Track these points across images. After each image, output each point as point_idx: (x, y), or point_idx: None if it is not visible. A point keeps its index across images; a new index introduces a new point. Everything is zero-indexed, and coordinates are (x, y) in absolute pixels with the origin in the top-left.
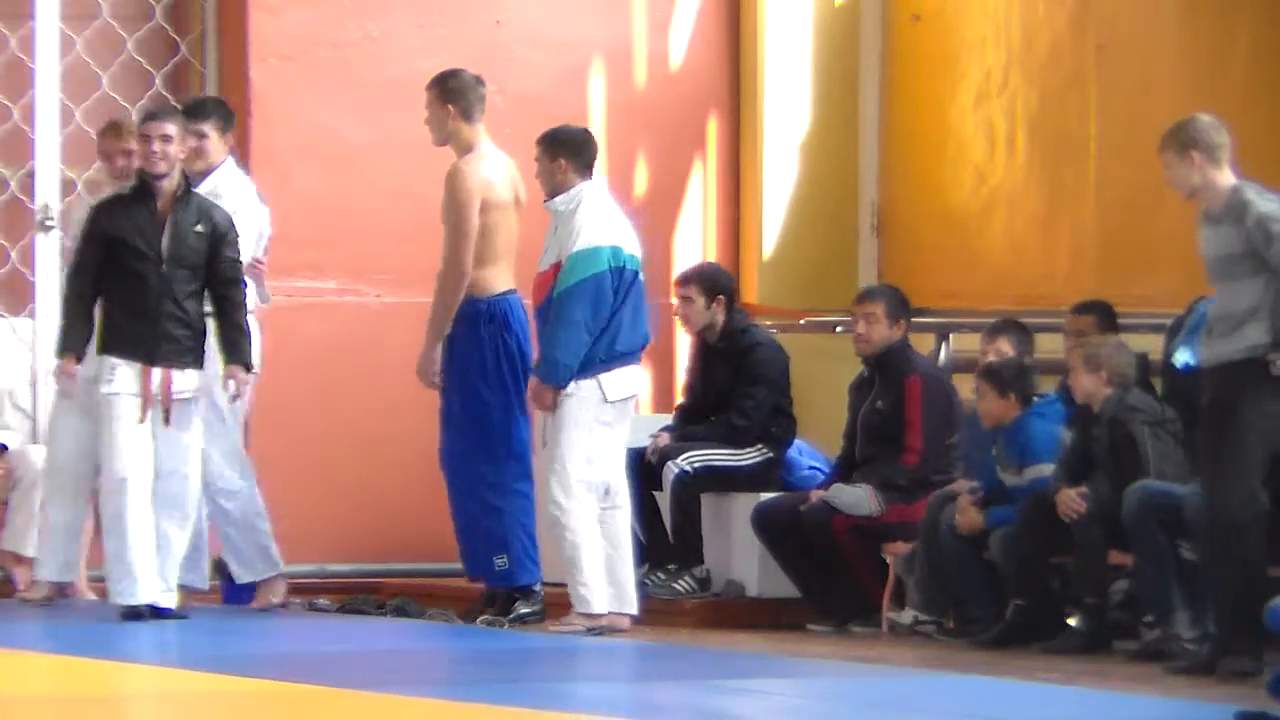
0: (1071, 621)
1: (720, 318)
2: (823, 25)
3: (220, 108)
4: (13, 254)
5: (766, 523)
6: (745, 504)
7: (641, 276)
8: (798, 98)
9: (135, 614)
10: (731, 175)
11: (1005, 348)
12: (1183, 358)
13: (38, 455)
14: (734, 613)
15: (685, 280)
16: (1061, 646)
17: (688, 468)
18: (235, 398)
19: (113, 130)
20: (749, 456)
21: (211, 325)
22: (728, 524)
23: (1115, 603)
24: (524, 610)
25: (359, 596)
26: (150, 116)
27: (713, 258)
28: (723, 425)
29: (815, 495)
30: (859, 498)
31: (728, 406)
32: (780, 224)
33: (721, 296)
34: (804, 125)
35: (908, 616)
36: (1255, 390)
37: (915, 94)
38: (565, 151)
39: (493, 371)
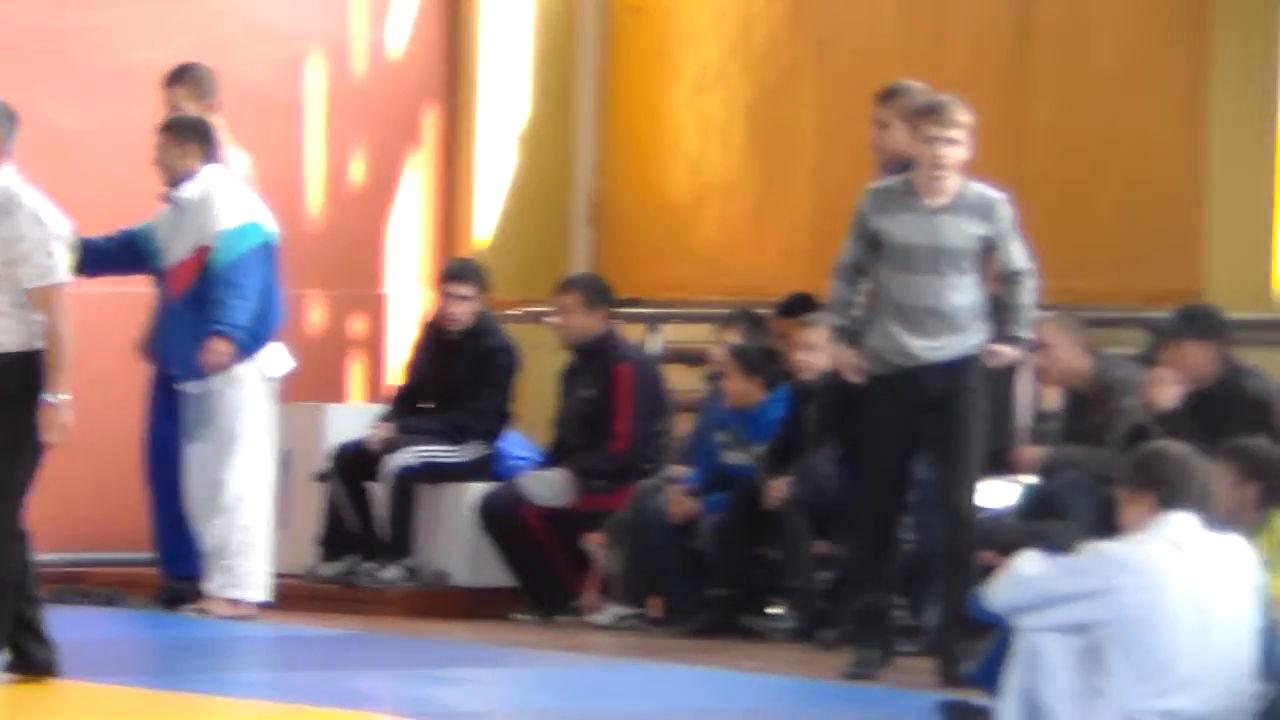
0: (777, 610)
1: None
2: (542, 16)
3: None
4: None
5: (491, 514)
6: (456, 494)
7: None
8: (515, 89)
9: None
10: (449, 166)
11: (735, 339)
12: None
13: None
14: (442, 602)
15: (451, 276)
16: (768, 635)
17: (412, 462)
18: None
19: None
20: (468, 452)
21: None
22: (439, 514)
23: (821, 591)
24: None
25: (63, 586)
26: None
27: (428, 249)
28: (447, 420)
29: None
30: (551, 486)
31: (456, 399)
32: (496, 215)
33: (481, 292)
34: (522, 116)
35: (608, 616)
36: (976, 392)
37: (633, 86)
38: (194, 138)
39: None
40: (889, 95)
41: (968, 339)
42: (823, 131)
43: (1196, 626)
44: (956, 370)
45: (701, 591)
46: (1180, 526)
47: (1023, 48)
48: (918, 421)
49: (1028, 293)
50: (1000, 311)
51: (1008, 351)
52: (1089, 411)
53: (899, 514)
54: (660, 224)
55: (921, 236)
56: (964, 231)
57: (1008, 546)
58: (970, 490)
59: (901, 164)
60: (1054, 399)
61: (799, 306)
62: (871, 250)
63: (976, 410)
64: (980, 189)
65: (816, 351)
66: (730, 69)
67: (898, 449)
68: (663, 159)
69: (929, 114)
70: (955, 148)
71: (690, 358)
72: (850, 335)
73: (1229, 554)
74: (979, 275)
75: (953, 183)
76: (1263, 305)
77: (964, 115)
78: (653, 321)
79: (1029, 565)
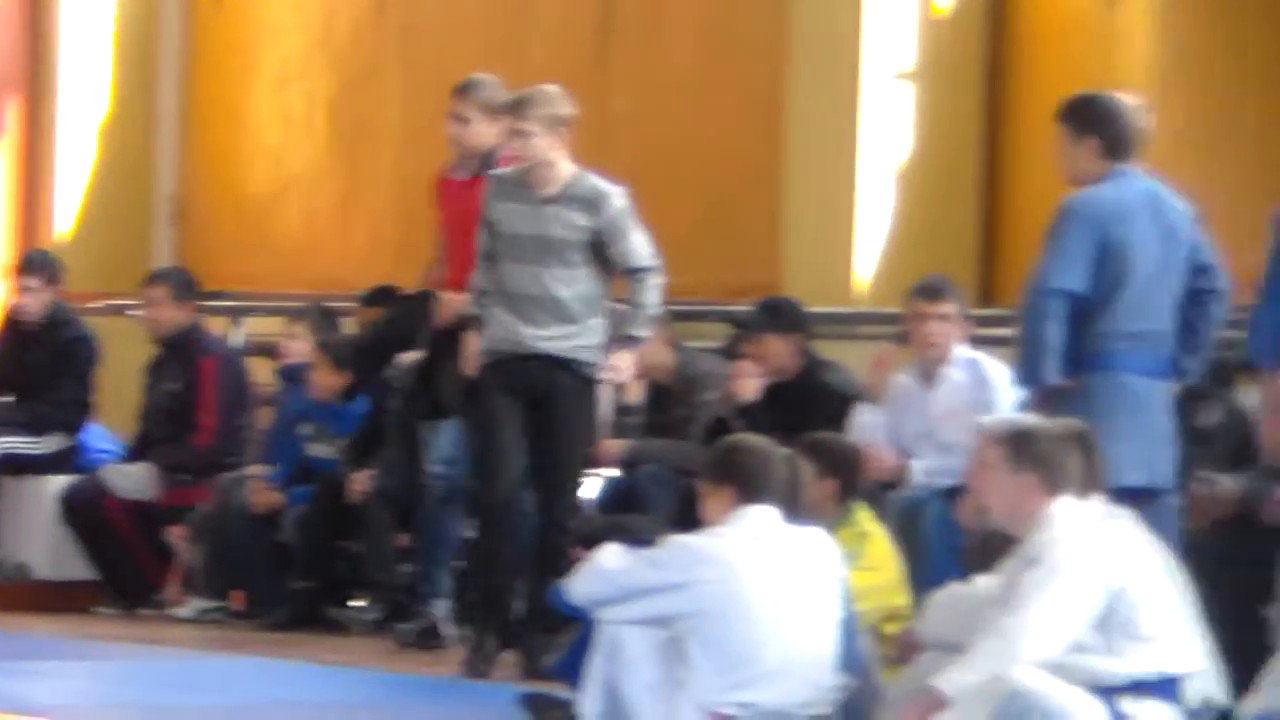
0: (359, 603)
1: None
2: (123, 8)
3: None
4: None
5: (73, 507)
6: (37, 487)
7: None
8: (97, 80)
9: None
10: (29, 158)
11: (302, 332)
12: None
13: None
14: (23, 596)
15: (20, 268)
16: (351, 628)
17: None
18: None
19: None
20: (49, 444)
21: None
22: (20, 507)
23: (402, 585)
24: None
25: None
26: None
27: (9, 241)
28: (27, 412)
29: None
30: (134, 479)
31: (36, 391)
32: (77, 208)
33: (51, 283)
34: (103, 108)
35: (190, 609)
36: (583, 390)
37: (215, 78)
38: None
39: None
40: (465, 89)
41: (579, 332)
42: (406, 125)
43: (777, 619)
44: (566, 365)
45: (284, 584)
46: (760, 519)
47: (603, 42)
48: (528, 412)
49: (647, 290)
50: None
51: (624, 358)
52: (671, 405)
53: (518, 502)
54: (243, 217)
55: (528, 226)
56: (569, 223)
57: (589, 539)
58: (567, 489)
59: (484, 158)
60: (636, 392)
61: (382, 299)
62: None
63: (581, 410)
64: (594, 182)
65: None
66: (312, 62)
67: (514, 436)
68: (245, 152)
69: (508, 109)
70: (531, 140)
71: (273, 351)
72: (479, 324)
73: (810, 547)
74: (591, 269)
75: (562, 173)
76: (842, 299)
77: (541, 109)
78: (235, 315)
79: (610, 558)
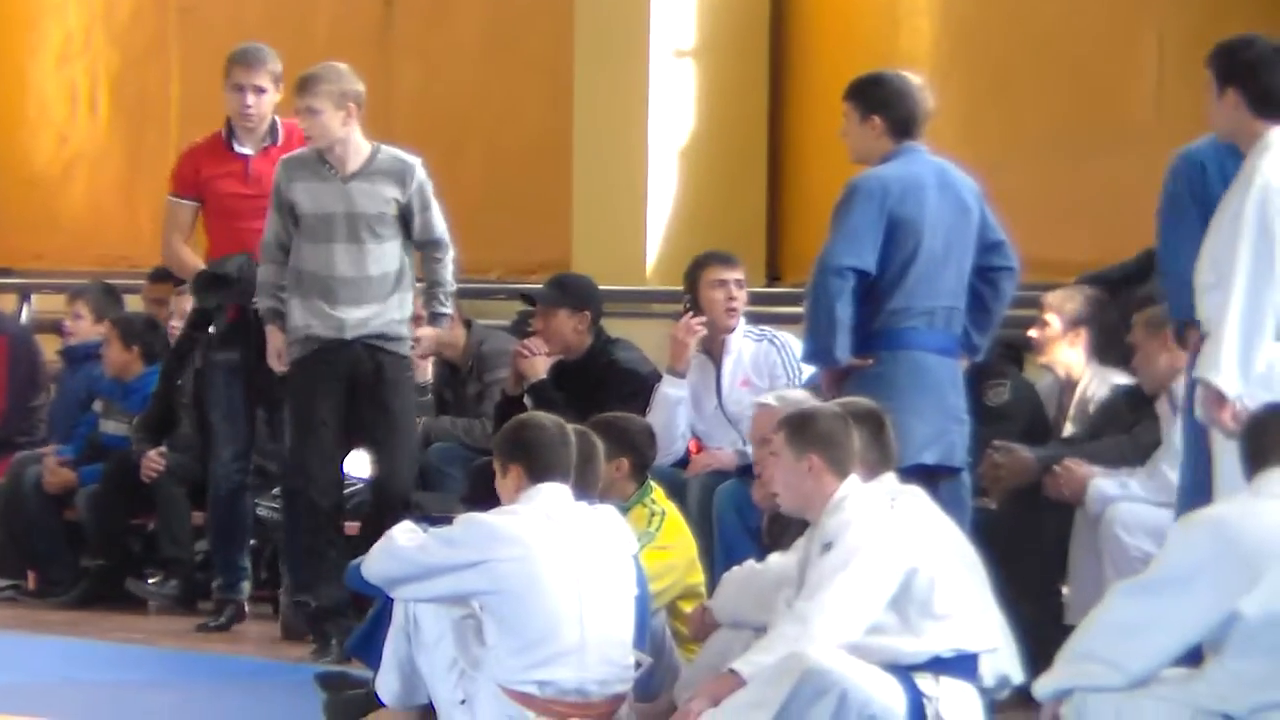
0: (152, 582)
1: None
2: None
3: None
4: None
5: None
6: None
7: None
8: None
9: None
10: None
11: (84, 310)
12: None
13: None
14: None
15: None
16: (146, 606)
17: None
18: None
19: None
20: None
21: None
22: None
23: (198, 563)
24: None
25: None
26: None
27: None
28: None
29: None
30: None
31: None
32: None
33: None
34: None
35: None
36: (402, 367)
37: (0, 54)
38: None
39: None
40: (259, 59)
41: (392, 308)
42: (188, 100)
43: (573, 598)
44: (383, 345)
45: (78, 563)
46: (551, 497)
47: (388, 16)
48: (348, 398)
49: (447, 267)
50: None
51: (428, 334)
52: (462, 382)
53: (339, 489)
54: (30, 194)
55: (335, 204)
56: (378, 196)
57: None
58: (401, 470)
59: (271, 128)
60: (427, 371)
61: (171, 276)
62: (293, 223)
63: (404, 387)
64: (396, 154)
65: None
66: (95, 39)
67: (333, 435)
68: (29, 129)
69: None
70: (319, 118)
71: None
72: (281, 318)
73: (604, 525)
74: (398, 243)
75: (360, 148)
76: (632, 277)
77: (330, 85)
78: (24, 292)
79: (404, 537)
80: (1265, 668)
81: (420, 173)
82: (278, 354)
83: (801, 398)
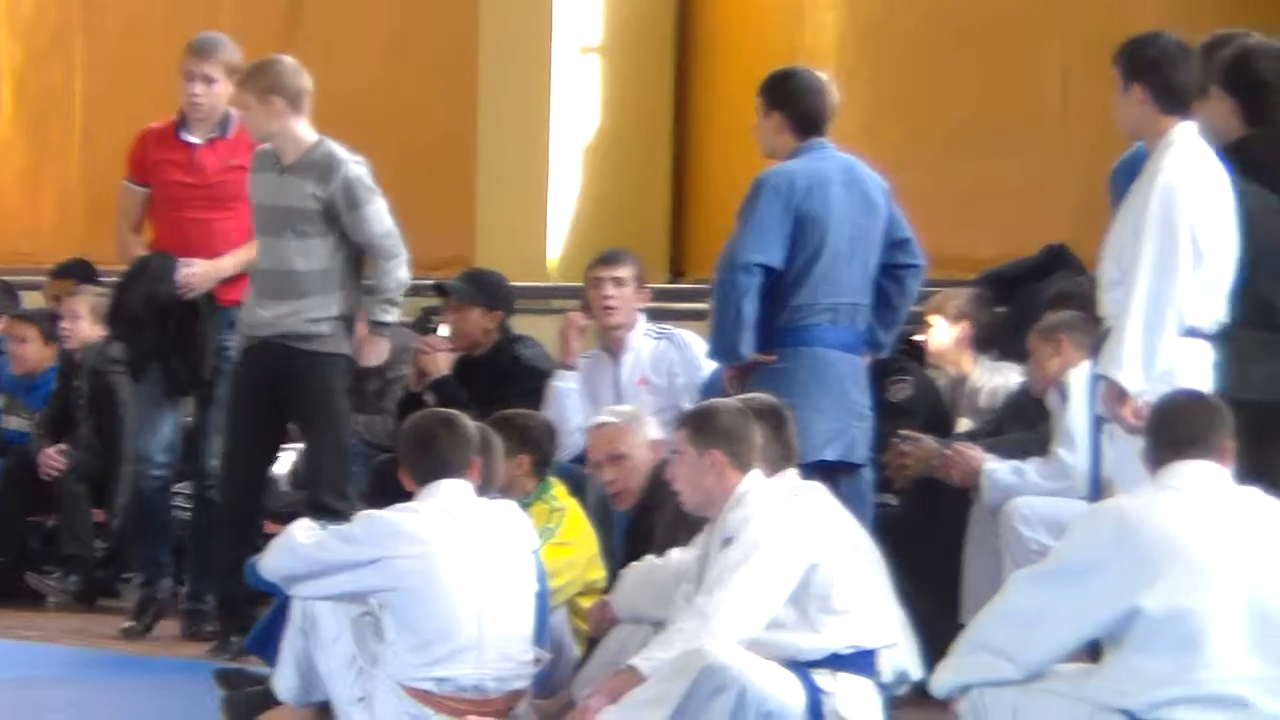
0: (53, 578)
1: None
2: None
3: None
4: None
5: None
6: None
7: None
8: None
9: None
10: None
11: None
12: None
13: None
14: None
15: None
16: (46, 603)
17: None
18: None
19: None
20: None
21: None
22: None
23: (99, 560)
24: None
25: None
26: None
27: None
28: None
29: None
30: None
31: None
32: None
33: None
34: None
35: None
36: (322, 366)
37: None
38: None
39: None
40: (210, 48)
41: (311, 306)
42: (91, 96)
43: (473, 594)
44: (302, 345)
45: None
46: (451, 494)
47: (293, 12)
48: (276, 397)
49: (385, 274)
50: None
51: (367, 349)
52: (363, 378)
53: (262, 491)
54: None
55: (269, 197)
56: (302, 192)
57: (282, 514)
58: (327, 474)
59: (223, 121)
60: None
61: (74, 272)
62: None
63: (324, 387)
64: (330, 149)
65: (81, 321)
66: None
67: (253, 435)
68: None
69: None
70: (252, 112)
71: None
72: None
73: (504, 521)
74: (329, 241)
75: (302, 142)
76: (535, 273)
77: (271, 78)
78: None
79: (302, 533)
80: (1166, 664)
81: (348, 170)
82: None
83: (630, 412)
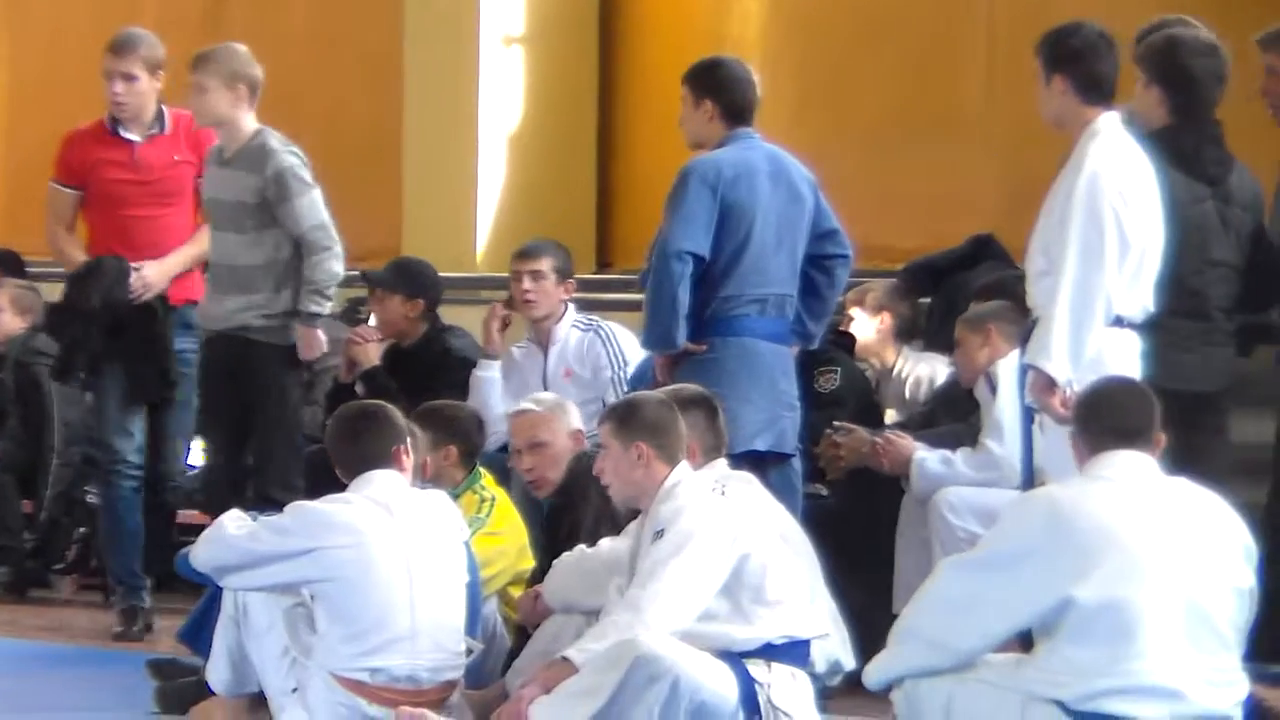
0: None
1: None
2: None
3: None
4: None
5: None
6: None
7: None
8: None
9: None
10: None
11: None
12: None
13: None
14: None
15: None
16: None
17: None
18: None
19: None
20: None
21: None
22: None
23: (28, 551)
24: None
25: None
26: None
27: None
28: None
29: None
30: None
31: None
32: None
33: None
34: None
35: None
36: (272, 360)
37: None
38: None
39: None
40: (130, 45)
41: (261, 302)
42: (14, 88)
43: (405, 585)
44: (253, 338)
45: None
46: (384, 485)
47: (216, 6)
48: (236, 386)
49: (315, 266)
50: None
51: (303, 344)
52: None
53: (241, 490)
54: None
55: (214, 189)
56: (240, 185)
57: (214, 505)
58: (272, 468)
59: (157, 118)
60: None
61: (4, 264)
62: None
63: (272, 381)
64: (265, 140)
65: (3, 314)
66: None
67: (232, 415)
68: None
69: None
70: (205, 96)
71: None
72: None
73: (435, 512)
74: (269, 233)
75: (244, 134)
76: (464, 264)
77: (223, 65)
78: None
79: (234, 524)
80: (1099, 654)
81: (280, 161)
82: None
83: (553, 401)
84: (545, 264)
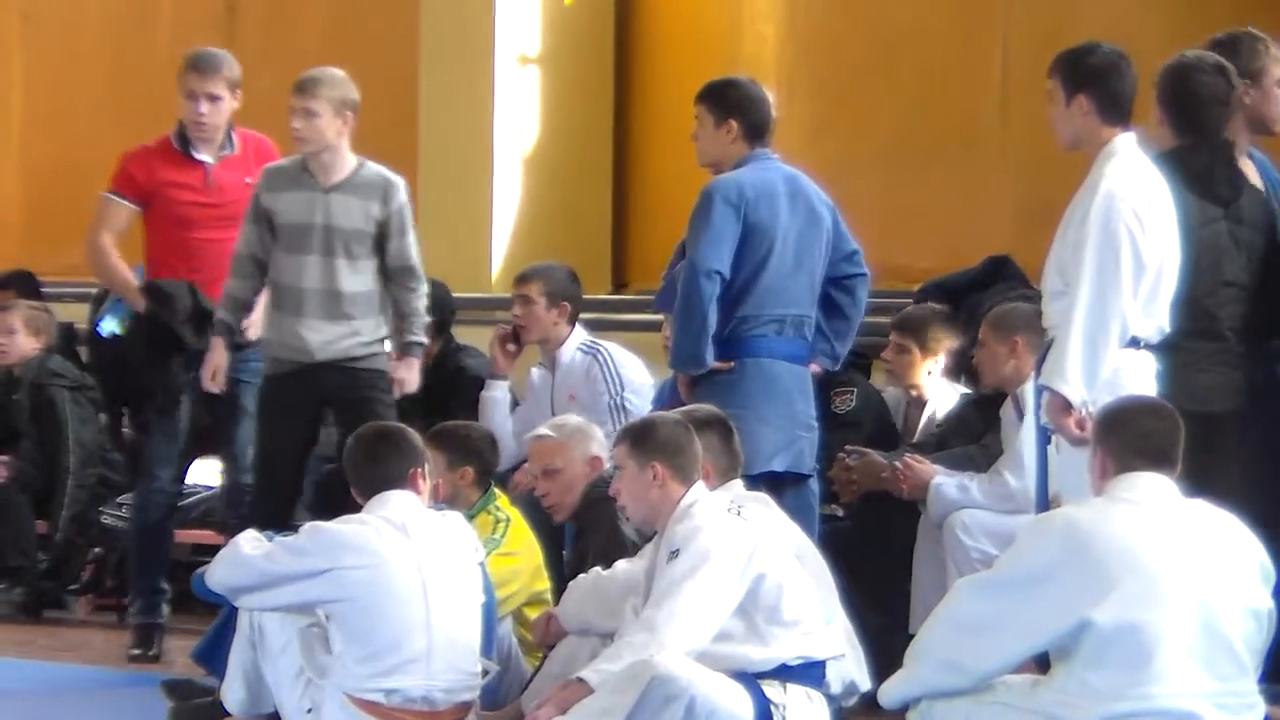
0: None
1: None
2: None
3: None
4: None
5: None
6: None
7: None
8: None
9: None
10: None
11: None
12: (109, 327)
13: None
14: None
15: None
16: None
17: None
18: None
19: None
20: None
21: None
22: None
23: (42, 572)
24: None
25: None
26: None
27: None
28: None
29: None
30: None
31: None
32: None
33: None
34: None
35: None
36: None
37: None
38: None
39: None
40: (215, 65)
41: (362, 330)
42: (30, 108)
43: (420, 605)
44: (354, 369)
45: None
46: (400, 505)
47: (230, 22)
48: (315, 417)
49: (420, 296)
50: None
51: (408, 375)
52: None
53: (289, 514)
54: None
55: (309, 215)
56: (356, 212)
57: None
58: None
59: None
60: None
61: (14, 284)
62: (271, 234)
63: (380, 410)
64: (381, 170)
65: (17, 335)
66: None
67: (291, 447)
68: None
69: (295, 88)
70: (315, 121)
71: None
72: (231, 333)
73: (451, 533)
74: (373, 263)
75: (347, 160)
76: (478, 284)
77: (331, 90)
78: None
79: (249, 544)
80: (1116, 678)
81: (403, 194)
82: (214, 371)
83: (573, 427)
84: (533, 289)
